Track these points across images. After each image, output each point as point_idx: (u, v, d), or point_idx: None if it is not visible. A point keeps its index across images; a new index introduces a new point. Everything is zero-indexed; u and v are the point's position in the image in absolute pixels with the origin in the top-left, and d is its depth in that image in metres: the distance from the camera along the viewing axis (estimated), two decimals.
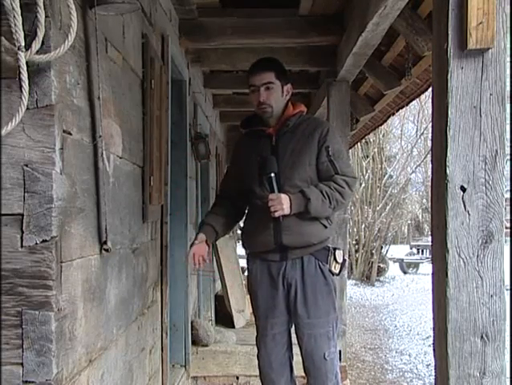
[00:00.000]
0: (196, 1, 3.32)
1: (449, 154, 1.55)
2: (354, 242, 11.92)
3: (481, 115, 1.55)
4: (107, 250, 1.83)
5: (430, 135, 1.79)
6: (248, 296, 4.97)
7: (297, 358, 2.60)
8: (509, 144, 1.58)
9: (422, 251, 16.06)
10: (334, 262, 2.48)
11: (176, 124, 3.52)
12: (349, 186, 2.43)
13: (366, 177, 12.74)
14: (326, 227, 2.48)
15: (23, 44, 1.30)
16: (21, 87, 1.32)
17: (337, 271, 2.50)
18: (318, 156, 2.44)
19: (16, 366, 1.43)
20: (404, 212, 16.28)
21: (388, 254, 13.34)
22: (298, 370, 2.63)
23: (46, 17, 1.36)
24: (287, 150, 2.47)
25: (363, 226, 12.27)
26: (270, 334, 2.53)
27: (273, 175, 2.40)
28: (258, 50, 4.02)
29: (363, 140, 10.43)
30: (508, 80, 1.55)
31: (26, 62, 1.32)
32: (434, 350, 1.69)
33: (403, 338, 6.76)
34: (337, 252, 2.50)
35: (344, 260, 2.55)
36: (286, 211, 2.35)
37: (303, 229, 2.42)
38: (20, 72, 1.31)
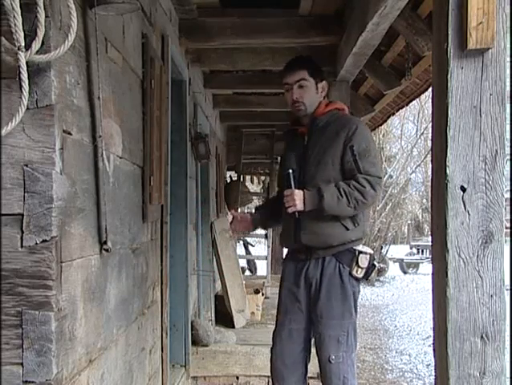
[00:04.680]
0: (196, 1, 3.32)
1: (449, 154, 1.55)
2: None
3: (481, 115, 1.55)
4: (107, 250, 1.83)
5: (430, 135, 1.79)
6: (248, 296, 4.96)
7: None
8: (509, 144, 1.59)
9: (422, 251, 16.03)
10: (356, 266, 2.42)
11: (176, 124, 3.52)
12: (372, 185, 2.35)
13: None
14: (348, 229, 2.41)
15: (23, 44, 1.30)
16: (21, 87, 1.32)
17: (360, 275, 2.43)
18: (343, 155, 2.40)
19: (16, 366, 1.43)
20: (404, 212, 16.28)
21: (388, 254, 13.33)
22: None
23: (46, 17, 1.36)
24: (315, 149, 2.48)
25: None
26: (287, 328, 2.53)
27: (290, 171, 2.43)
28: (258, 50, 4.02)
29: None
30: (508, 80, 1.55)
31: (26, 62, 1.32)
32: (434, 350, 1.69)
33: (403, 338, 6.75)
34: (361, 256, 2.42)
35: (373, 265, 2.44)
36: (299, 207, 2.36)
37: (321, 230, 2.42)
38: (20, 72, 1.31)
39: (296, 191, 2.38)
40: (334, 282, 2.42)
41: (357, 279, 2.45)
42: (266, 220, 2.77)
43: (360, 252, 2.43)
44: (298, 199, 2.35)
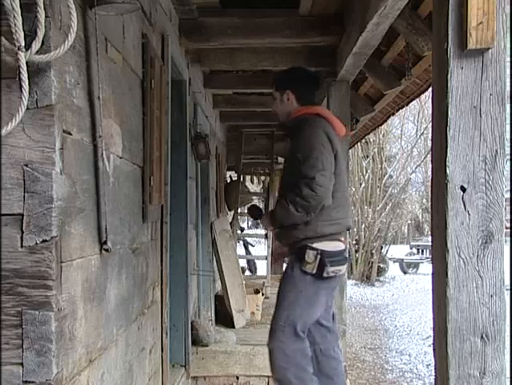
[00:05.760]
0: (196, 1, 3.32)
1: (448, 154, 1.55)
2: (354, 242, 11.91)
3: (481, 115, 1.55)
4: (107, 250, 1.83)
5: (430, 135, 1.79)
6: (248, 296, 4.96)
7: None
8: (509, 144, 1.59)
9: (422, 251, 16.03)
10: (304, 262, 2.49)
11: (176, 124, 3.51)
12: (309, 187, 2.40)
13: (366, 177, 12.73)
14: (297, 229, 2.53)
15: (23, 44, 1.30)
16: (21, 87, 1.32)
17: (311, 271, 2.47)
18: (294, 161, 2.52)
19: (16, 366, 1.43)
20: (404, 212, 16.27)
21: (388, 254, 13.33)
22: None
23: (46, 17, 1.36)
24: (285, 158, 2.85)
25: (363, 226, 12.26)
26: None
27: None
28: (258, 50, 4.02)
29: (363, 140, 10.43)
30: (508, 80, 1.55)
31: (26, 62, 1.32)
32: (434, 350, 1.69)
33: (403, 338, 6.76)
34: (308, 251, 2.48)
35: (320, 259, 2.46)
36: (271, 228, 2.85)
37: (280, 232, 2.70)
38: (20, 72, 1.31)
39: (264, 216, 2.81)
40: (287, 277, 2.59)
41: (312, 275, 2.48)
42: None
43: (311, 248, 2.49)
44: (266, 222, 2.73)
